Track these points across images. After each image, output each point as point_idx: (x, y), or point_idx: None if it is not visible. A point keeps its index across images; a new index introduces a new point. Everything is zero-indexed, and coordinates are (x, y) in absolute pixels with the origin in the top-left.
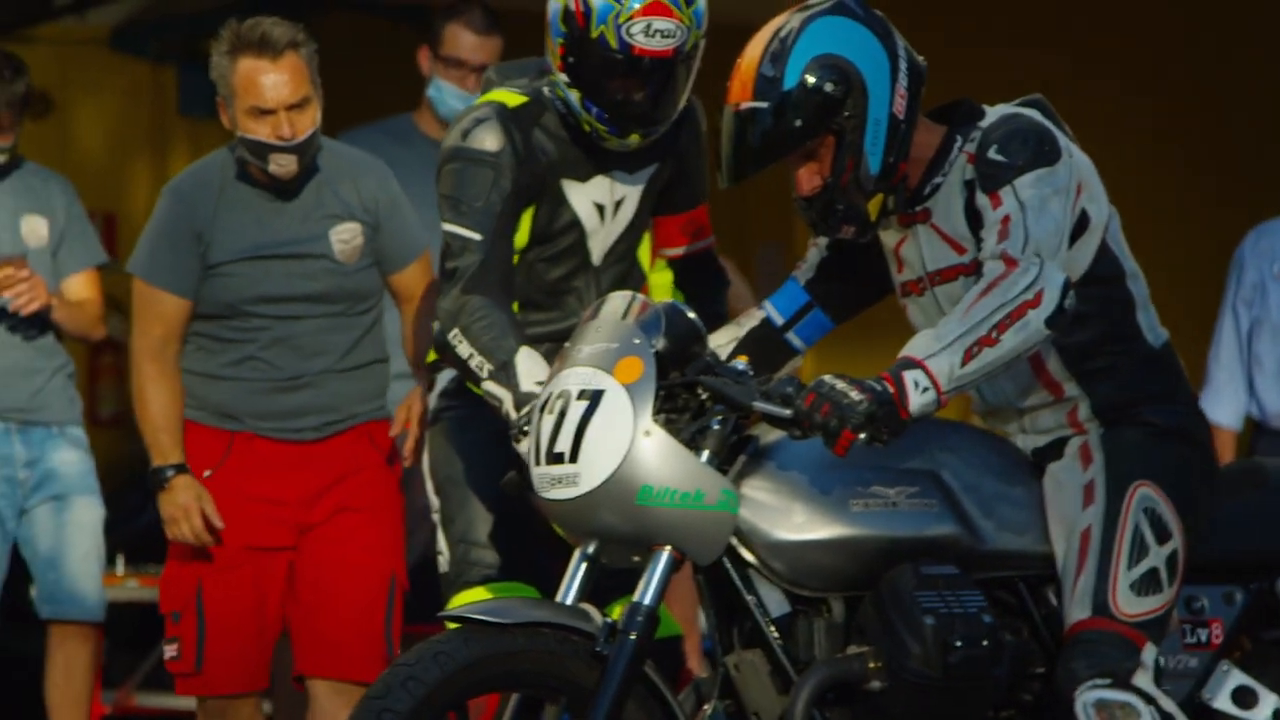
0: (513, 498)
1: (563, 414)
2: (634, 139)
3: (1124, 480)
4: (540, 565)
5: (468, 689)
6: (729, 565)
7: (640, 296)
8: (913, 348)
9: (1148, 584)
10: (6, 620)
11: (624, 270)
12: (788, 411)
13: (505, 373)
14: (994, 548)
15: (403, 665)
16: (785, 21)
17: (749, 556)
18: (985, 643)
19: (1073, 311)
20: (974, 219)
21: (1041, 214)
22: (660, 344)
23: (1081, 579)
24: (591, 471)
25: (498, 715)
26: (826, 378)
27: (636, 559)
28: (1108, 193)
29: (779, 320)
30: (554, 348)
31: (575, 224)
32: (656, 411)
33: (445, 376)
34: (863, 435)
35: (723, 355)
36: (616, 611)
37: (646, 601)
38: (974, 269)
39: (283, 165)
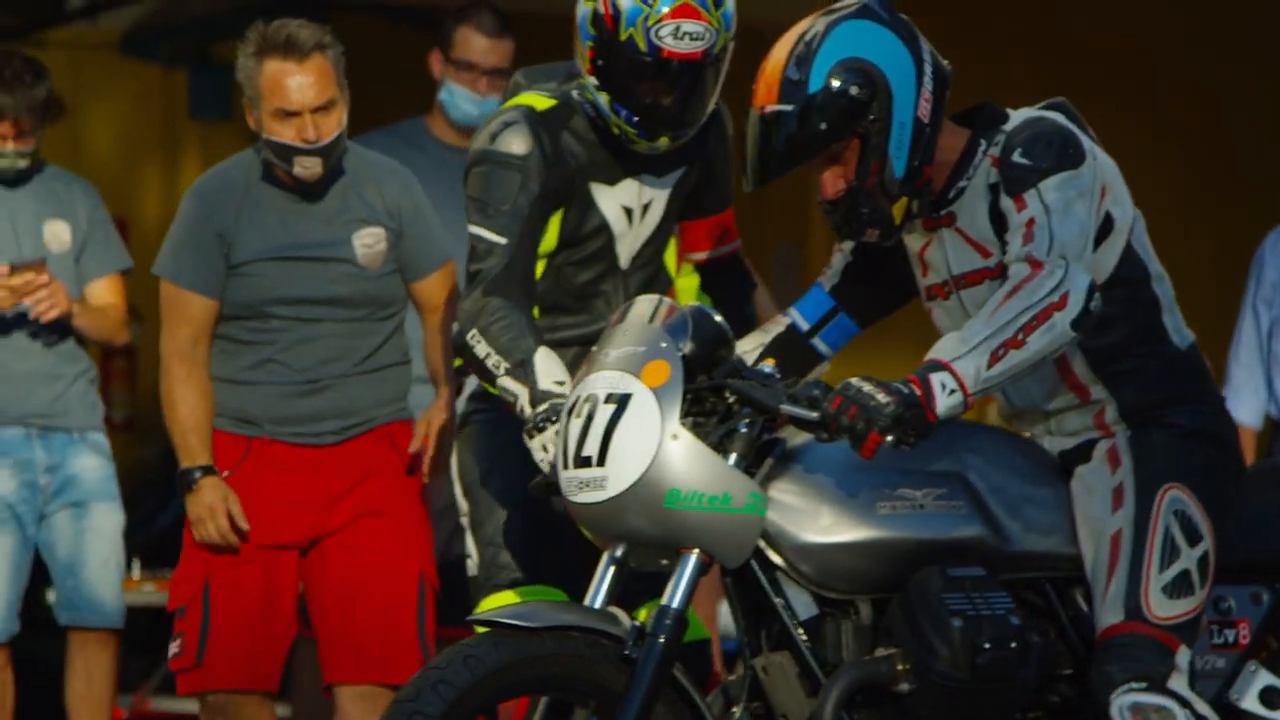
0: (541, 500)
1: (590, 417)
2: (663, 142)
3: (1153, 483)
4: (568, 568)
5: (498, 692)
6: (756, 568)
7: (667, 300)
8: (939, 350)
9: (1180, 587)
10: (26, 625)
11: (651, 274)
12: (815, 414)
13: (523, 369)
14: (1020, 549)
15: (433, 669)
16: (810, 25)
17: (776, 559)
18: (1013, 644)
19: (1098, 314)
20: (998, 222)
21: (1066, 217)
22: (687, 347)
23: (1113, 583)
24: (619, 475)
25: (527, 719)
26: (853, 380)
27: (665, 562)
28: None
29: (804, 326)
30: (582, 351)
31: (604, 227)
32: (684, 415)
33: (474, 380)
34: (890, 438)
35: (749, 361)
36: (644, 614)
37: (675, 604)
38: (999, 272)
39: (307, 168)
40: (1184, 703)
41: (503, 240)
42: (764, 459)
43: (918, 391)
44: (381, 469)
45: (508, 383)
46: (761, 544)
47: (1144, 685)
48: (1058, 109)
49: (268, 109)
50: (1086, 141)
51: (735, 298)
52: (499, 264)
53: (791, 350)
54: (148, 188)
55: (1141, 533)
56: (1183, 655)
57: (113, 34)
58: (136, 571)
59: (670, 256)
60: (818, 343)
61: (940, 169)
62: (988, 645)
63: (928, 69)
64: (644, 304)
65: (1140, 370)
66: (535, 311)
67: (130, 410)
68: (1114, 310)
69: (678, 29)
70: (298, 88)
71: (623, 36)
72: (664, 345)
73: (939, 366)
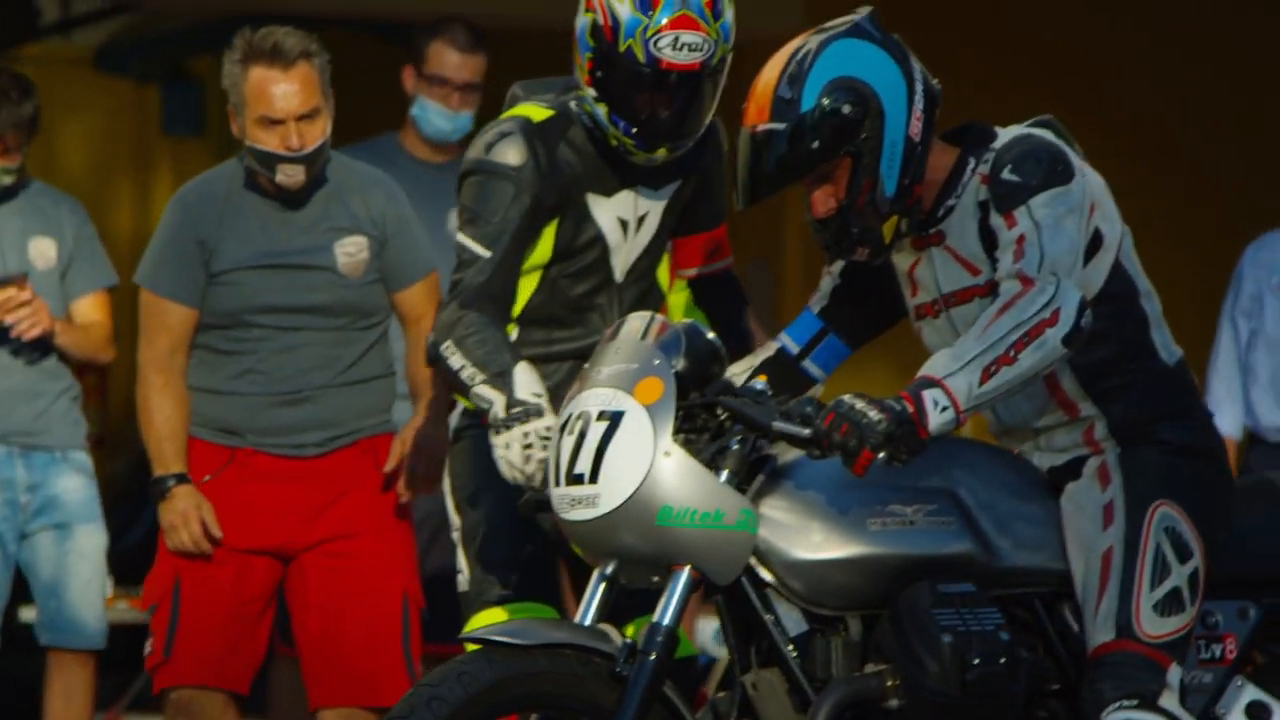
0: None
1: (583, 435)
2: (661, 153)
3: (1144, 500)
4: (558, 585)
5: (491, 709)
6: (747, 584)
7: (659, 317)
8: (931, 367)
9: (1170, 604)
10: (4, 643)
11: (645, 288)
12: (807, 431)
13: (501, 379)
14: (1010, 565)
15: (426, 685)
16: (803, 43)
17: (767, 576)
18: (1002, 660)
19: (1089, 330)
20: (988, 240)
21: (1056, 233)
22: (680, 364)
23: (1104, 601)
24: (611, 492)
25: None
26: (845, 397)
27: (656, 579)
28: None
29: (794, 349)
30: (576, 365)
31: (599, 239)
32: (676, 432)
33: None
34: (882, 455)
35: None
36: (632, 630)
37: (666, 622)
38: (989, 290)
39: (290, 175)
40: None
41: (487, 253)
42: (755, 475)
43: (910, 408)
44: (364, 484)
45: (483, 390)
46: (752, 561)
47: (1135, 703)
48: (1046, 126)
49: (252, 116)
50: (1075, 158)
51: (728, 314)
52: (479, 278)
53: (783, 374)
54: (120, 203)
55: (1132, 550)
56: (1174, 673)
57: (86, 49)
58: (109, 589)
59: (662, 273)
60: (809, 365)
61: (929, 187)
62: (977, 661)
63: (919, 88)
64: (636, 321)
65: (1129, 386)
66: (511, 328)
67: (101, 426)
68: (1102, 326)
69: (676, 40)
70: (282, 95)
71: (621, 48)
72: (657, 362)
73: (931, 383)
